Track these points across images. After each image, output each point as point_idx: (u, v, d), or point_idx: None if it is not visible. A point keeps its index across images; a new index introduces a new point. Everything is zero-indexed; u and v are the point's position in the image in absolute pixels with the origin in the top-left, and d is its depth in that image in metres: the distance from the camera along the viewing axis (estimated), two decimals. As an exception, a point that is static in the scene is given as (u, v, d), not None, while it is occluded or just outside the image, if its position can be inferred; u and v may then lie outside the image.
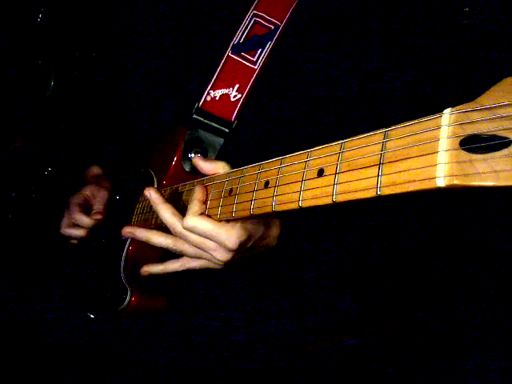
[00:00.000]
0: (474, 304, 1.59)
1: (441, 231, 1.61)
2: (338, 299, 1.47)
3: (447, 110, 0.56)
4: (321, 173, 0.72)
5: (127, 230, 1.17)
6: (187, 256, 1.10)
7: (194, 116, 1.34)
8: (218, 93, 1.34)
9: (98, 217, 1.34)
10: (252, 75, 1.33)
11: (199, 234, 1.00)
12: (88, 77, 1.75)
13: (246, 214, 0.89)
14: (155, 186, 1.34)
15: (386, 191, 0.59)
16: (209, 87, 1.34)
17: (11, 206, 1.75)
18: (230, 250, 1.00)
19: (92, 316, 1.42)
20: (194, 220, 0.99)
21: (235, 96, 1.34)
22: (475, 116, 0.53)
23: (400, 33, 1.33)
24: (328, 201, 0.68)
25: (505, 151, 0.49)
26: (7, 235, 1.70)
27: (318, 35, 1.32)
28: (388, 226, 1.34)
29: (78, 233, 1.36)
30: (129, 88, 1.56)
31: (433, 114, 0.59)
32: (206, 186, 1.05)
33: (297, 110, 1.35)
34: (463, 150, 0.52)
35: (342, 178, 0.67)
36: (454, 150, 0.53)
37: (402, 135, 0.60)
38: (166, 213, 1.06)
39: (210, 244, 1.01)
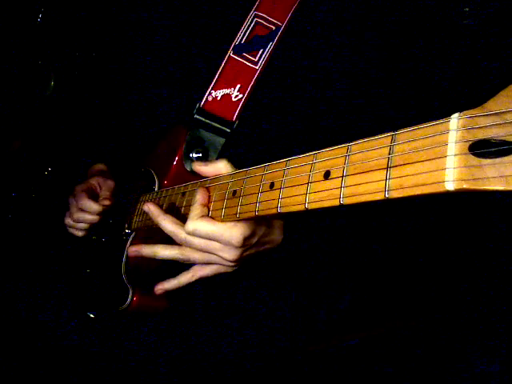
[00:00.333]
0: (475, 304, 1.60)
1: (441, 231, 1.62)
2: (338, 299, 1.47)
3: (455, 115, 0.56)
4: (327, 175, 0.72)
5: (133, 249, 1.17)
6: (197, 264, 1.10)
7: (196, 116, 1.34)
8: (220, 93, 1.34)
9: (106, 202, 1.32)
10: (253, 75, 1.34)
11: (202, 237, 1.00)
12: (88, 77, 1.75)
13: (250, 215, 0.89)
14: (156, 185, 1.34)
15: (395, 194, 0.60)
16: (210, 87, 1.34)
17: (11, 205, 1.75)
18: (236, 248, 1.00)
19: (92, 316, 1.42)
20: (194, 223, 0.99)
21: (237, 96, 1.34)
22: (483, 121, 0.53)
23: (401, 33, 1.33)
24: (335, 203, 0.68)
25: (514, 156, 0.50)
26: (7, 235, 1.70)
27: (319, 36, 1.32)
28: (388, 225, 1.35)
29: (89, 217, 1.33)
30: (130, 88, 1.56)
31: (432, 115, 0.59)
32: (208, 188, 1.05)
33: (298, 111, 1.35)
34: (472, 154, 0.53)
35: (349, 180, 0.67)
36: (463, 154, 0.53)
37: (410, 139, 0.60)
38: (167, 223, 1.07)
39: (215, 245, 1.01)
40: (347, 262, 1.40)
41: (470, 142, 0.53)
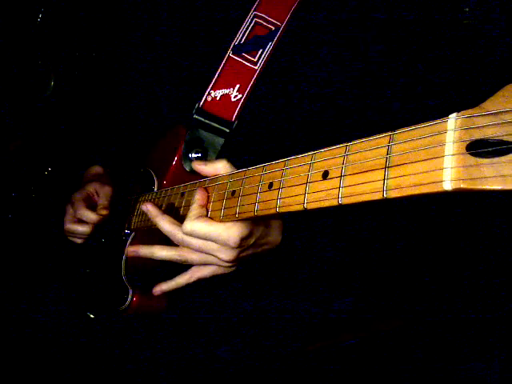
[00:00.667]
0: (474, 304, 1.60)
1: (441, 231, 1.62)
2: (338, 299, 1.47)
3: (453, 115, 0.56)
4: (326, 175, 0.72)
5: (131, 250, 1.17)
6: (194, 265, 1.10)
7: (195, 116, 1.34)
8: (219, 93, 1.34)
9: (104, 212, 1.32)
10: (253, 75, 1.34)
11: (200, 237, 1.00)
12: (88, 77, 1.75)
13: (249, 215, 0.89)
14: (155, 186, 1.34)
15: (393, 194, 0.60)
16: (209, 87, 1.34)
17: (11, 205, 1.75)
18: (233, 248, 1.00)
19: (92, 316, 1.42)
20: (192, 224, 0.99)
21: (236, 96, 1.34)
22: (481, 121, 0.53)
23: (401, 33, 1.33)
24: (334, 203, 0.68)
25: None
26: (7, 235, 1.70)
27: (318, 36, 1.32)
28: (388, 225, 1.35)
29: (84, 229, 1.34)
30: (129, 88, 1.56)
31: (432, 116, 0.59)
32: (207, 188, 1.05)
33: (297, 111, 1.35)
34: (470, 154, 0.53)
35: (347, 180, 0.68)
36: (461, 154, 0.53)
37: (407, 139, 0.60)
38: (165, 223, 1.07)
39: (212, 245, 1.01)
40: (347, 261, 1.40)
41: (468, 142, 0.53)
